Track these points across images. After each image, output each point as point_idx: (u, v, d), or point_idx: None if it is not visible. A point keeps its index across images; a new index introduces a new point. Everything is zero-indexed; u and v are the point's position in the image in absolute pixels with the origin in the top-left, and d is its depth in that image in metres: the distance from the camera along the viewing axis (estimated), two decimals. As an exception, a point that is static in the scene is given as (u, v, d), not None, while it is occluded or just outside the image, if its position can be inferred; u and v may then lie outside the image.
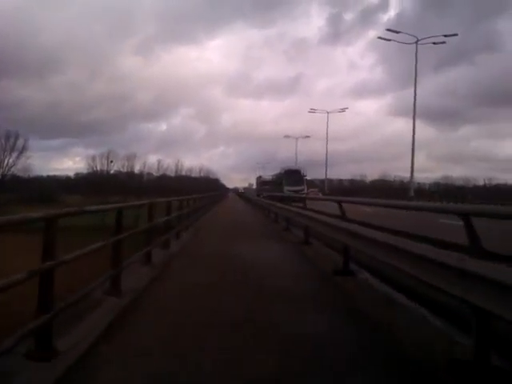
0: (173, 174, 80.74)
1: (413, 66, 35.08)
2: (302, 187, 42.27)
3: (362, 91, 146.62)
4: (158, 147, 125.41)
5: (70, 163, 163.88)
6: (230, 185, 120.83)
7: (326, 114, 54.62)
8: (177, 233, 10.39)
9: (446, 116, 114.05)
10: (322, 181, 56.78)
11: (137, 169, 78.60)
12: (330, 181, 61.10)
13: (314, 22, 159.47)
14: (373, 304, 4.77)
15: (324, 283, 5.81)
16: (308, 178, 47.84)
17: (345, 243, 6.02)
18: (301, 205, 16.60)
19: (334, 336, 3.65)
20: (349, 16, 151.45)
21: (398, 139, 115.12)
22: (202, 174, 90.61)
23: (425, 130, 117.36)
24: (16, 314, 4.20)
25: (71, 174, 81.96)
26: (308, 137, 66.14)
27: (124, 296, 4.74)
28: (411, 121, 34.26)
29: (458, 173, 75.96)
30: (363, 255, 6.08)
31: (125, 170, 77.60)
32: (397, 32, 36.34)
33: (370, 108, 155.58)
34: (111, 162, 74.34)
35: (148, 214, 6.94)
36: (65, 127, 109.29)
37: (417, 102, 34.87)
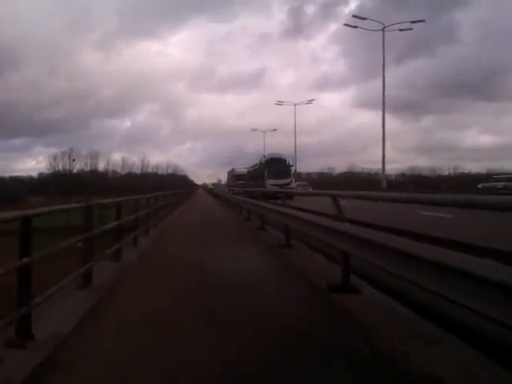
0: (139, 172, 78.19)
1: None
2: (289, 180, 34.68)
3: (327, 84, 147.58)
4: (123, 144, 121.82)
5: (33, 163, 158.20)
6: (198, 181, 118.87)
7: (294, 106, 53.60)
8: (134, 239, 8.77)
9: (409, 107, 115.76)
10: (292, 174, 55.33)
11: (101, 167, 75.73)
12: (299, 174, 59.83)
13: (275, 16, 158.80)
14: (398, 339, 3.35)
15: (320, 309, 4.23)
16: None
17: (346, 251, 4.61)
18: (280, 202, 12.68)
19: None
20: (310, 9, 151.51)
21: (364, 131, 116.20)
22: (169, 171, 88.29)
23: (389, 121, 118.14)
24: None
25: (34, 174, 78.09)
26: (275, 130, 65.10)
27: (32, 352, 3.13)
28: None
29: (423, 163, 76.95)
30: (368, 265, 4.72)
31: (88, 169, 74.51)
32: (363, 18, 35.40)
33: (335, 100, 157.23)
34: (73, 160, 71.21)
35: (86, 220, 5.29)
36: (26, 126, 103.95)
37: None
